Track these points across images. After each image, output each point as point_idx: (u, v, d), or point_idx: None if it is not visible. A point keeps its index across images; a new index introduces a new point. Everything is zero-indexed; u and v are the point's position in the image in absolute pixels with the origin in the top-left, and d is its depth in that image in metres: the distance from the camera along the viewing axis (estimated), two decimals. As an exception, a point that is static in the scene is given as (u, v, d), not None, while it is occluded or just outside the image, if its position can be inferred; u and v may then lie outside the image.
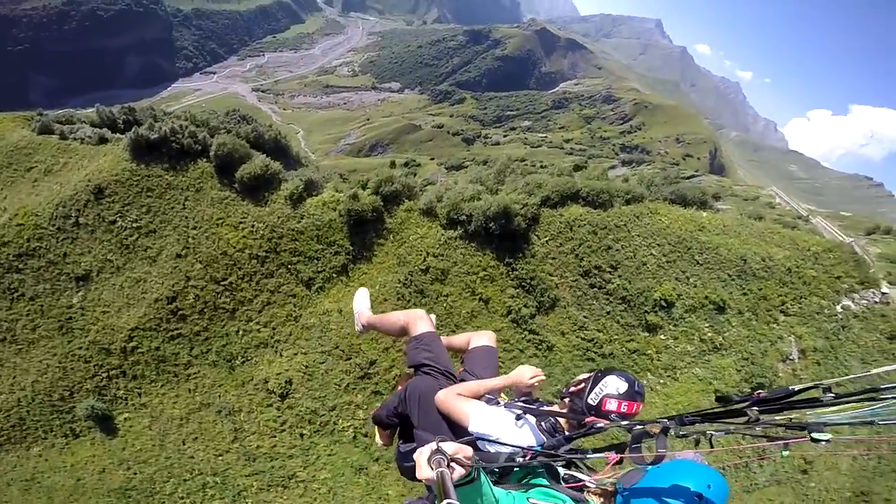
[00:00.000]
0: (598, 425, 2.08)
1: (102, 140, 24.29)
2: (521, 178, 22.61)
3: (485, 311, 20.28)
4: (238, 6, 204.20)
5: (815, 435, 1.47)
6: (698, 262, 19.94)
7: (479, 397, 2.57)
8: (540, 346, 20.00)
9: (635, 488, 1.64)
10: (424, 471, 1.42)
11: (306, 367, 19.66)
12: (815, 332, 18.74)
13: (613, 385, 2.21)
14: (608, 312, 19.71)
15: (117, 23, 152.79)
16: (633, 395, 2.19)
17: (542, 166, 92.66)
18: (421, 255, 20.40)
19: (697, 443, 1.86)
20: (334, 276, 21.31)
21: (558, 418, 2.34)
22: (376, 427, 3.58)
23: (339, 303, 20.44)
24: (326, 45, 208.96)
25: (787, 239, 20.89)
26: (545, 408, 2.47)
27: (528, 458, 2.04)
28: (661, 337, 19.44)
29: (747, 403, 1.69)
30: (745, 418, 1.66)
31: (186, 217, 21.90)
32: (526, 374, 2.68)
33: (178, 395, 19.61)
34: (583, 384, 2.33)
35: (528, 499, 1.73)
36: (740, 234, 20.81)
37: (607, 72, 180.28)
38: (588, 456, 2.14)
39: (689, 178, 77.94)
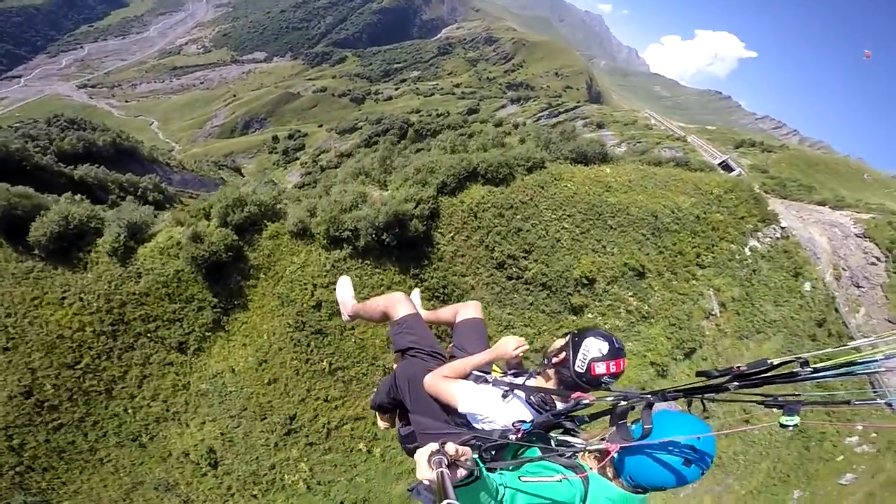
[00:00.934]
0: (584, 401, 2.03)
1: None
2: (410, 162, 18.52)
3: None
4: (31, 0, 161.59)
5: (783, 420, 1.44)
6: (612, 227, 18.05)
7: (466, 376, 2.46)
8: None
9: (630, 447, 1.66)
10: (424, 471, 1.39)
11: (222, 434, 15.67)
12: (731, 282, 18.16)
13: (595, 347, 2.07)
14: (531, 304, 17.28)
15: None
16: (616, 352, 2.07)
17: (438, 114, 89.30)
18: (306, 289, 15.98)
19: (690, 405, 1.80)
20: (208, 334, 16.33)
21: (548, 393, 2.20)
22: (376, 412, 3.37)
23: (228, 361, 15.91)
24: (163, 24, 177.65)
25: (689, 184, 19.76)
26: (533, 381, 2.36)
27: (520, 434, 1.96)
28: (589, 316, 17.62)
29: (727, 378, 1.64)
30: (725, 393, 1.62)
31: (-9, 305, 15.21)
32: (510, 345, 2.51)
33: (103, 479, 15.22)
34: (563, 353, 2.18)
35: (519, 478, 1.69)
36: (646, 188, 19.20)
37: (484, 13, 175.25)
38: (575, 434, 2.08)
39: (573, 109, 79.45)
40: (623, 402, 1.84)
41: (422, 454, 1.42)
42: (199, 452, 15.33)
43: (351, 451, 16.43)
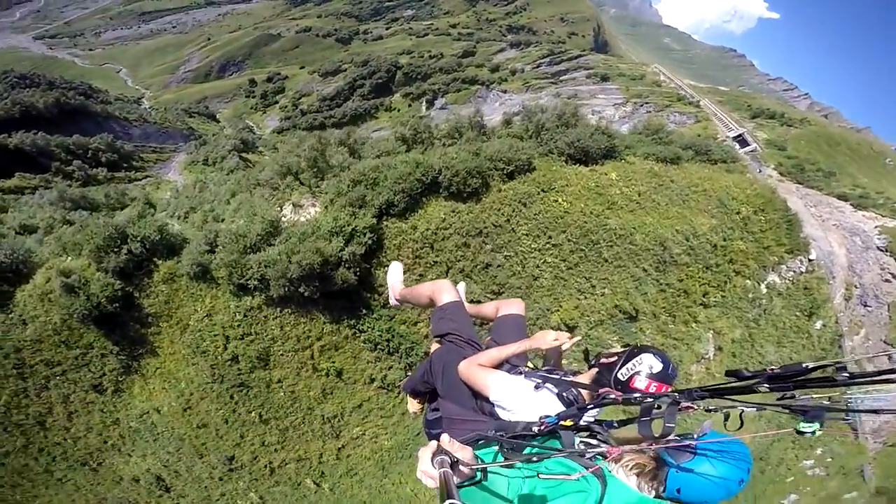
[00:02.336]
0: (611, 396, 1.92)
1: None
2: (347, 166, 13.93)
3: (341, 384, 13.52)
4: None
5: (801, 426, 1.37)
6: (606, 260, 14.04)
7: (500, 365, 2.37)
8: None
9: (687, 467, 1.58)
10: (427, 470, 1.34)
11: (165, 466, 13.66)
12: (735, 323, 14.56)
13: (647, 363, 1.97)
14: (500, 353, 13.75)
15: None
16: (666, 377, 1.95)
17: (431, 56, 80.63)
18: (218, 341, 12.26)
19: (727, 417, 1.64)
20: (121, 378, 13.15)
21: (581, 389, 2.11)
22: (409, 395, 3.25)
23: (152, 402, 13.29)
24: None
25: (713, 199, 15.43)
26: (567, 378, 2.21)
27: (543, 428, 1.86)
28: (563, 362, 14.21)
29: (758, 380, 1.51)
30: (754, 394, 1.51)
31: None
32: (548, 336, 2.36)
33: (69, 495, 13.43)
34: (615, 357, 2.09)
35: (537, 474, 1.60)
36: (658, 205, 14.92)
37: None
38: (596, 433, 1.91)
39: (576, 57, 71.38)
40: (648, 401, 1.71)
41: (425, 453, 1.39)
42: (148, 479, 13.47)
43: (298, 485, 14.05)
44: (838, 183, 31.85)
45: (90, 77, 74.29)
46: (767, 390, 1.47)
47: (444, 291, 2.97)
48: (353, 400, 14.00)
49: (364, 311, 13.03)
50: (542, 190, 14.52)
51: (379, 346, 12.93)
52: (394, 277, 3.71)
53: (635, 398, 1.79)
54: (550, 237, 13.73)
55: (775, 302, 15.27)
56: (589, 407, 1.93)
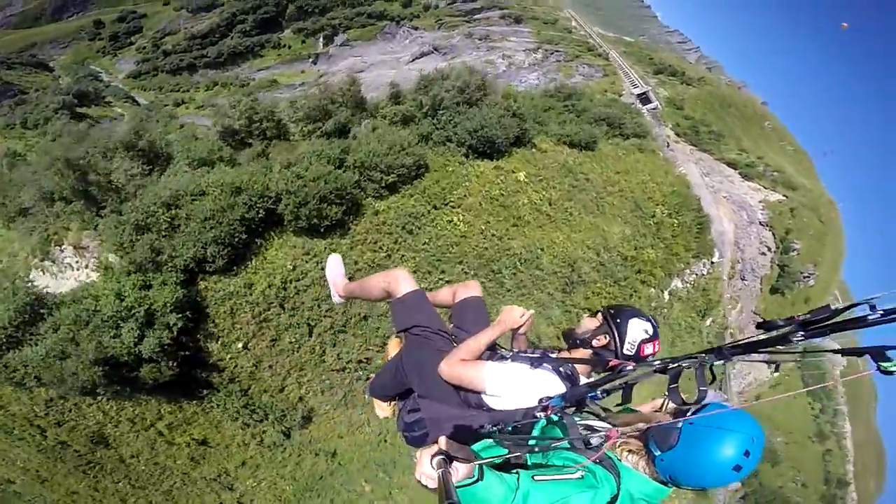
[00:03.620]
0: (628, 368, 1.70)
1: None
2: (135, 191, 9.40)
3: (211, 450, 10.24)
4: None
5: (885, 365, 1.07)
6: (508, 290, 11.89)
7: (481, 355, 2.16)
8: (319, 456, 11.48)
9: (674, 453, 1.42)
10: (426, 470, 1.34)
11: None
12: None
13: (640, 328, 1.92)
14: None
15: None
16: (657, 330, 1.95)
17: None
18: (28, 432, 8.20)
19: (775, 365, 1.30)
20: None
21: (576, 364, 1.99)
22: (374, 399, 2.92)
23: None
24: None
25: (629, 201, 13.76)
26: (560, 354, 2.09)
27: (549, 411, 1.66)
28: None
29: (790, 328, 1.26)
30: (790, 344, 1.28)
31: None
32: (516, 314, 2.23)
33: None
34: (602, 336, 1.98)
35: (533, 477, 1.48)
36: (571, 217, 12.97)
37: None
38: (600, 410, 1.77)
39: (491, 7, 65.84)
40: (673, 366, 1.46)
41: (423, 454, 1.38)
42: None
43: None
44: (727, 146, 33.25)
45: None
46: (803, 338, 1.22)
47: (402, 280, 2.57)
48: (232, 461, 10.95)
49: (206, 392, 9.63)
50: (434, 206, 11.56)
51: (241, 419, 9.75)
52: (333, 271, 3.20)
53: (657, 367, 1.51)
54: (444, 271, 11.06)
55: (675, 306, 14.68)
56: (601, 382, 1.67)
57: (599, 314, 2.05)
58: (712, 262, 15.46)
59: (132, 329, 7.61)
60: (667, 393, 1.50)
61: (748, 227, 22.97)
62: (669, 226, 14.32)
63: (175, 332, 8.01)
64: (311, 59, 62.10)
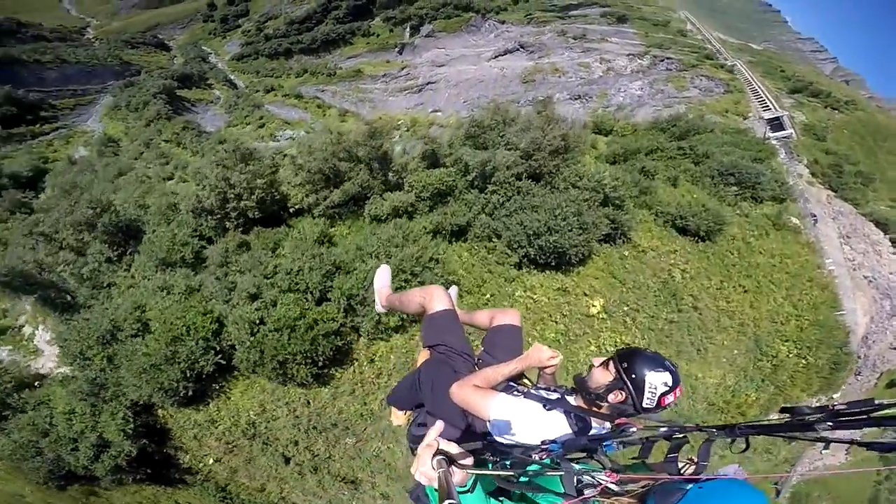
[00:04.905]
0: (631, 430, 1.69)
1: None
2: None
3: None
4: None
5: None
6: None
7: (496, 385, 2.14)
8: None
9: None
10: (426, 468, 1.30)
11: None
12: None
13: (660, 381, 1.77)
14: None
15: None
16: (676, 376, 1.78)
17: None
18: None
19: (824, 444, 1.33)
20: None
21: (594, 418, 1.91)
22: (392, 408, 2.94)
23: None
24: None
25: (745, 340, 9.80)
26: (572, 399, 2.03)
27: (545, 455, 1.67)
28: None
29: (820, 416, 1.27)
30: (814, 434, 1.25)
31: None
32: (544, 354, 2.16)
33: None
34: (618, 393, 1.84)
35: None
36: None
37: None
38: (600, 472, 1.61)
39: (591, 4, 59.26)
40: (678, 435, 1.51)
41: (425, 452, 1.32)
42: None
43: None
44: (876, 195, 25.76)
45: (21, 7, 60.12)
46: (830, 429, 1.20)
47: (437, 298, 2.65)
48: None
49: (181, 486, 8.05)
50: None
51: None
52: (381, 281, 3.32)
53: (661, 434, 1.57)
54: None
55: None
56: (601, 438, 1.70)
57: (612, 366, 1.89)
58: (831, 397, 10.94)
59: (87, 448, 6.15)
60: (665, 463, 1.51)
61: (888, 319, 17.05)
62: (792, 367, 10.04)
63: (133, 456, 6.43)
64: (396, 49, 61.19)
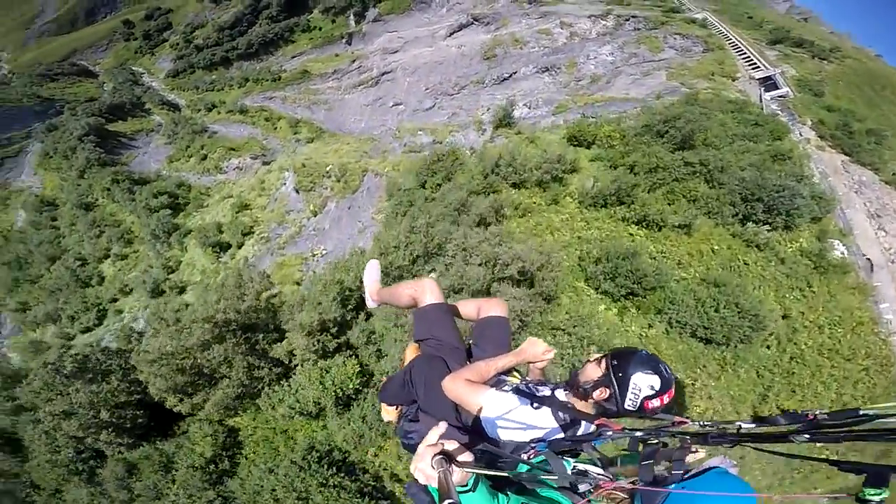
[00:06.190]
0: (608, 433, 1.64)
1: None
2: None
3: None
4: None
5: (868, 493, 0.98)
6: None
7: (488, 380, 2.14)
8: None
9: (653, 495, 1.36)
10: (425, 468, 1.28)
11: None
12: None
13: (646, 384, 1.73)
14: None
15: None
16: (667, 382, 1.73)
17: None
18: None
19: (735, 444, 1.37)
20: None
21: (581, 417, 1.89)
22: (383, 404, 2.88)
23: None
24: None
25: None
26: (562, 394, 2.00)
27: (532, 455, 1.68)
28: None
29: (797, 427, 1.22)
30: (787, 444, 1.22)
31: None
32: (538, 349, 2.16)
33: None
34: (603, 390, 1.81)
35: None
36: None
37: None
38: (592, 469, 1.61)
39: None
40: (653, 441, 1.48)
41: (426, 450, 1.31)
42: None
43: None
44: (892, 151, 23.18)
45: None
46: (807, 440, 1.13)
47: (428, 292, 2.60)
48: None
49: None
50: None
51: None
52: (370, 277, 3.25)
53: (638, 436, 1.54)
54: None
55: None
56: (581, 438, 1.72)
57: (604, 362, 1.86)
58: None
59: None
60: (639, 467, 1.44)
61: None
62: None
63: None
64: (344, 40, 55.60)
